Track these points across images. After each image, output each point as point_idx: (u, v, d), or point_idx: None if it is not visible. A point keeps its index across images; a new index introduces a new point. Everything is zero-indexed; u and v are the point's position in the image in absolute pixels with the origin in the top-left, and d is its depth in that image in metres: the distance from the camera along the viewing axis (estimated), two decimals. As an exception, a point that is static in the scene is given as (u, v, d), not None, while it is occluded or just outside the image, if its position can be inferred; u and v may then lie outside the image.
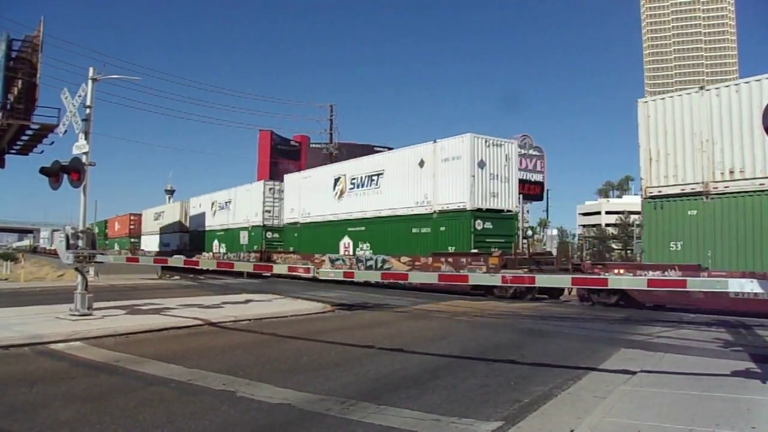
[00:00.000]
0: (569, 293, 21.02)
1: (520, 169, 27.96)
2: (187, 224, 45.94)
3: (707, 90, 16.32)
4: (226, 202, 39.98)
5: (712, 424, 4.82)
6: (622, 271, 17.48)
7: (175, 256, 30.32)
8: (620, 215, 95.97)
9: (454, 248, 21.84)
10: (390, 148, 37.89)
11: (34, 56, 23.71)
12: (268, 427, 5.10)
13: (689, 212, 16.22)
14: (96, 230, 67.19)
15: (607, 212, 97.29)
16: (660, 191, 17.00)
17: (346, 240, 27.92)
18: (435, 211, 23.00)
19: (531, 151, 38.10)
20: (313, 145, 58.52)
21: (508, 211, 23.07)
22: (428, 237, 23.21)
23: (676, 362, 8.03)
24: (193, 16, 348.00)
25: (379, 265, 24.57)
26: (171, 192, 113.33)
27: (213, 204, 41.79)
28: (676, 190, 16.63)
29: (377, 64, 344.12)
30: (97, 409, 5.41)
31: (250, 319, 12.34)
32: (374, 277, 22.30)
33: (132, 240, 58.56)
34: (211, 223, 41.77)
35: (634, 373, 7.15)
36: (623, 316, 14.94)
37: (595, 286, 16.61)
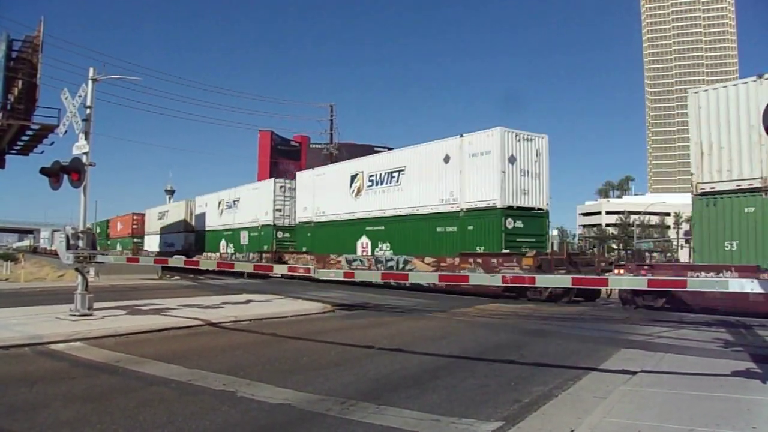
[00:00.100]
0: (608, 296, 20.16)
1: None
2: (193, 224, 44.85)
3: (766, 79, 15.19)
4: (234, 201, 38.83)
5: (712, 425, 4.82)
6: (670, 272, 16.44)
7: (176, 256, 30.36)
8: (620, 215, 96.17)
9: (483, 248, 20.71)
10: (390, 148, 37.71)
11: (35, 56, 23.72)
12: (268, 427, 5.10)
13: (746, 209, 15.16)
14: (98, 230, 66.88)
15: (608, 212, 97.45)
16: (713, 187, 15.93)
17: (364, 240, 26.72)
18: (462, 209, 21.76)
19: None
20: (313, 146, 58.48)
21: (539, 209, 21.77)
22: (454, 236, 21.99)
23: (676, 362, 8.03)
24: (193, 15, 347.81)
25: (401, 266, 23.60)
26: (171, 192, 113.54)
27: (220, 203, 40.66)
28: (731, 186, 15.53)
29: (377, 63, 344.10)
30: (97, 409, 5.41)
31: (250, 320, 12.34)
32: (375, 277, 22.14)
33: (135, 240, 57.50)
34: (218, 222, 40.69)
35: (634, 373, 7.15)
36: (623, 317, 14.93)
37: (596, 286, 16.56)
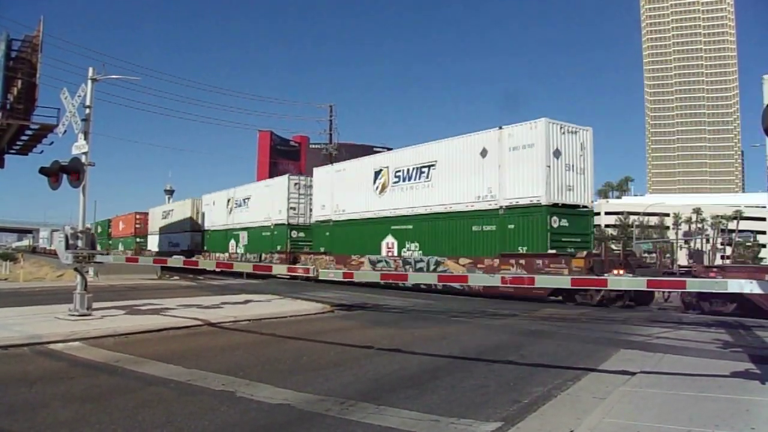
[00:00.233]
0: (665, 299, 18.93)
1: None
2: (200, 223, 43.23)
3: None
4: (244, 199, 37.22)
5: (711, 425, 4.83)
6: (743, 275, 14.81)
7: (175, 256, 30.23)
8: (619, 216, 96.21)
9: (525, 248, 19.27)
10: (389, 149, 37.70)
11: (34, 56, 23.70)
12: (267, 427, 5.10)
13: None
14: (99, 230, 66.55)
15: (607, 213, 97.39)
16: None
17: (389, 239, 25.11)
18: (501, 207, 20.15)
19: None
20: (313, 146, 58.52)
21: (584, 206, 20.47)
22: (493, 236, 20.42)
23: (675, 363, 8.03)
24: (193, 15, 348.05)
25: (432, 267, 22.23)
26: (170, 192, 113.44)
27: (229, 201, 38.96)
28: None
29: (377, 63, 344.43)
30: (96, 409, 5.41)
31: (249, 320, 12.33)
32: (374, 277, 21.79)
33: (138, 240, 56.14)
34: (227, 221, 38.94)
35: (633, 373, 7.15)
36: (623, 317, 14.93)
37: (595, 286, 15.90)
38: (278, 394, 6.08)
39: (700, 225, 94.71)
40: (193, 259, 29.00)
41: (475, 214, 21.20)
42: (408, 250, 24.15)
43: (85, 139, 12.00)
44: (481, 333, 11.78)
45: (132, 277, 27.15)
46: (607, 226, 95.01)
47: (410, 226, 24.21)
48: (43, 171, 11.76)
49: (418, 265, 22.98)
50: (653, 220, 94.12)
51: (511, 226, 19.89)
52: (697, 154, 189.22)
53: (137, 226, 57.02)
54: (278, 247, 32.12)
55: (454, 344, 9.95)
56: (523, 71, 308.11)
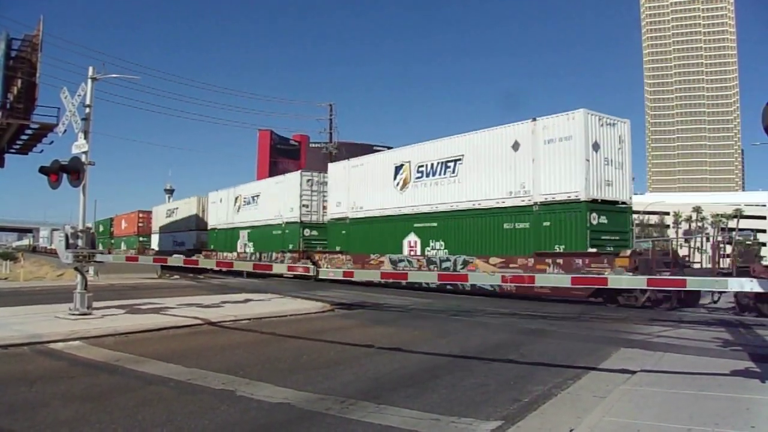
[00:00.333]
0: (715, 301, 17.44)
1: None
2: (206, 221, 41.89)
3: None
4: (253, 197, 36.08)
5: (711, 423, 4.82)
6: None
7: (175, 255, 30.15)
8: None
9: (563, 247, 18.24)
10: (389, 147, 37.56)
11: (34, 55, 23.69)
12: (267, 426, 5.10)
13: None
14: (101, 229, 66.42)
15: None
16: None
17: (412, 238, 23.99)
18: (536, 203, 19.05)
19: None
20: (313, 145, 58.44)
21: (623, 203, 19.37)
22: (527, 234, 19.32)
23: (675, 362, 8.03)
24: (193, 15, 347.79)
25: (459, 267, 21.12)
26: (170, 191, 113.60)
27: (237, 199, 37.75)
28: None
29: (377, 63, 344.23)
30: (96, 409, 5.41)
31: (249, 319, 12.33)
32: (375, 277, 21.68)
33: (141, 239, 55.22)
34: (235, 219, 37.71)
35: (633, 372, 7.15)
36: (623, 316, 14.92)
37: (594, 285, 15.74)
38: (278, 393, 6.08)
39: (700, 224, 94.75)
40: (195, 258, 28.93)
41: (507, 210, 20.13)
42: (432, 249, 23.09)
43: (85, 138, 12.00)
44: (481, 332, 11.78)
45: (132, 276, 27.15)
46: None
47: (435, 224, 23.13)
48: (43, 170, 11.76)
49: (444, 265, 22.08)
50: (653, 219, 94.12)
51: (547, 224, 18.81)
52: (697, 152, 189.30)
53: (140, 224, 56.08)
54: (290, 246, 31.00)
55: (454, 343, 9.95)
56: (522, 71, 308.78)
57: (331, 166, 30.90)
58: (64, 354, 8.32)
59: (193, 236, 43.23)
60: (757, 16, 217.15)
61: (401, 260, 24.13)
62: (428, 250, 23.16)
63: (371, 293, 20.53)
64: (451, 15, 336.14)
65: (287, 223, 31.85)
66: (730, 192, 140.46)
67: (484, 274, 17.02)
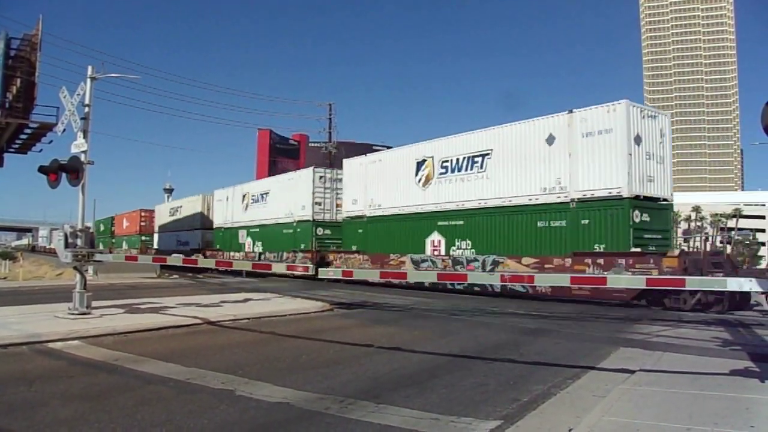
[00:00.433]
0: None
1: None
2: (212, 220, 40.66)
3: None
4: (261, 194, 34.79)
5: (710, 423, 4.82)
6: None
7: (174, 255, 30.07)
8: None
9: (603, 246, 17.24)
10: (389, 147, 37.49)
11: (33, 55, 23.67)
12: (266, 425, 5.09)
13: None
14: (101, 228, 66.26)
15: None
16: None
17: (436, 237, 22.91)
18: (573, 200, 18.07)
19: None
20: (312, 144, 58.47)
21: (665, 199, 18.42)
22: (563, 232, 18.30)
23: (674, 361, 8.03)
24: (193, 15, 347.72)
25: (489, 267, 20.10)
26: (170, 191, 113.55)
27: (245, 196, 36.45)
28: None
29: (376, 63, 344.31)
30: (95, 408, 5.41)
31: (248, 318, 12.33)
32: (373, 276, 21.45)
33: (143, 238, 54.15)
34: (243, 218, 36.41)
35: (633, 372, 7.15)
36: (623, 316, 14.91)
37: (593, 285, 15.52)
38: (277, 392, 6.07)
39: (699, 223, 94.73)
40: (194, 257, 28.87)
41: (541, 208, 19.05)
42: (458, 248, 21.94)
43: (84, 137, 11.98)
44: (481, 331, 11.77)
45: (131, 275, 27.13)
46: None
47: (461, 222, 21.98)
48: (42, 170, 11.75)
49: (472, 265, 21.12)
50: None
51: (585, 222, 17.83)
52: (696, 152, 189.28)
53: (142, 223, 55.05)
54: (302, 246, 29.69)
55: (453, 343, 9.95)
56: (522, 70, 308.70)
57: (346, 162, 29.37)
58: (63, 353, 8.31)
59: (197, 235, 41.95)
60: (756, 16, 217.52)
61: (424, 260, 23.05)
62: (453, 250, 22.10)
63: (373, 293, 20.51)
64: (451, 15, 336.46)
65: (299, 221, 30.63)
66: (729, 191, 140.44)
67: (483, 273, 16.94)
